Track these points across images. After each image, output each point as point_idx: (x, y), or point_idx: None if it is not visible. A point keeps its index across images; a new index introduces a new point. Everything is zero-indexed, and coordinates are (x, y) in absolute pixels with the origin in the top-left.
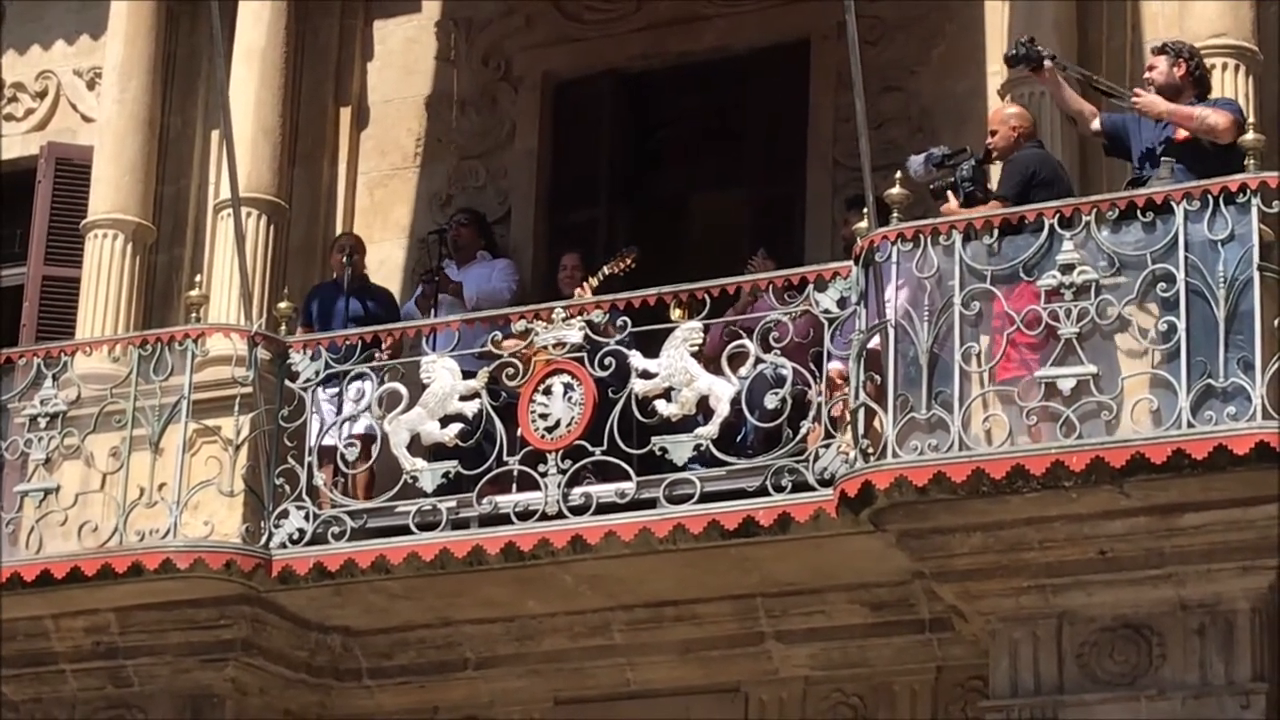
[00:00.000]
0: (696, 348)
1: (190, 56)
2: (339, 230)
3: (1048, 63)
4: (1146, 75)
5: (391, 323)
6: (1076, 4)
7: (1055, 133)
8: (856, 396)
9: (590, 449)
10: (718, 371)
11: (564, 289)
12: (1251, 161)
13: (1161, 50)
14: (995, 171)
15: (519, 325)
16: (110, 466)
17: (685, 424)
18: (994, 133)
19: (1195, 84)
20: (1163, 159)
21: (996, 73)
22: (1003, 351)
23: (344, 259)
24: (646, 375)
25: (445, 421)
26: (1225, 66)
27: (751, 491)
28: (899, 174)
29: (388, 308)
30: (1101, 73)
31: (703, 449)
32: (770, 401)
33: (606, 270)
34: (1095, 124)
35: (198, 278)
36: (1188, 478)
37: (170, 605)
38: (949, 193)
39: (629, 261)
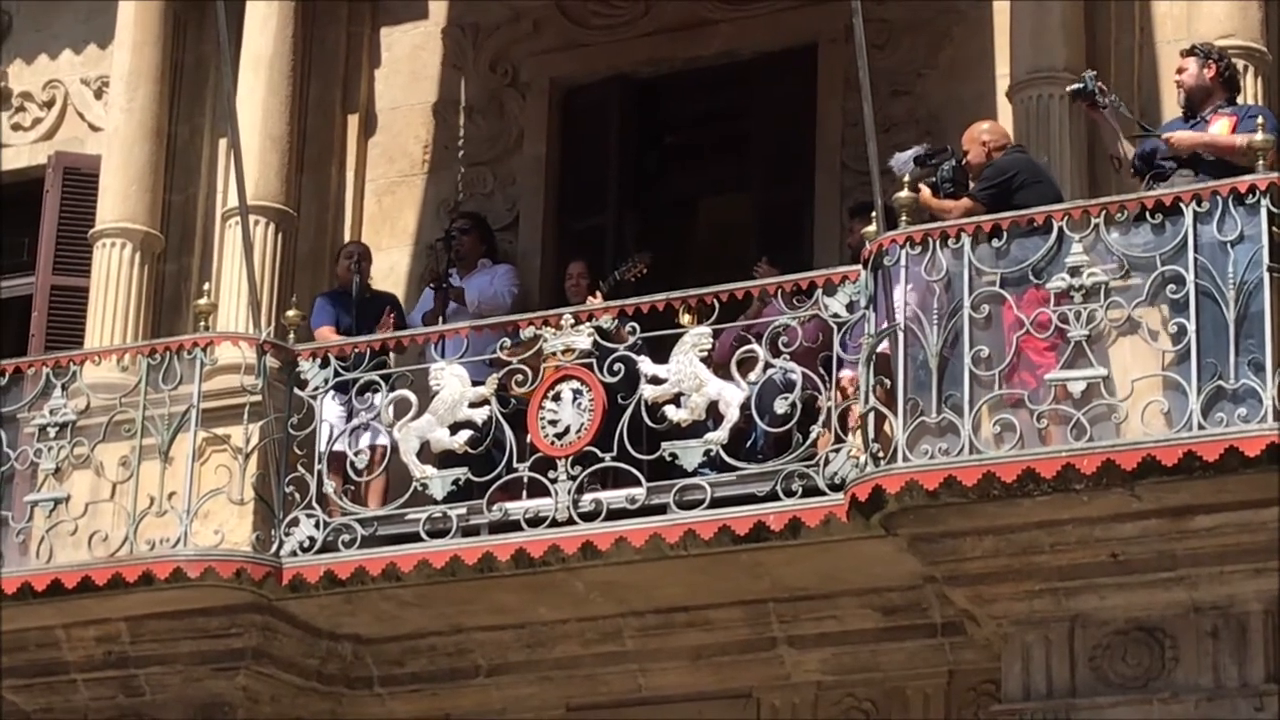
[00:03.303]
0: (706, 353)
1: (197, 65)
2: (347, 238)
3: (1106, 100)
4: (1176, 77)
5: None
6: (1084, 5)
7: (1062, 136)
8: (866, 401)
9: (600, 455)
10: (727, 376)
11: (571, 297)
12: (1260, 162)
13: (1190, 52)
14: None
15: (528, 332)
16: (120, 476)
17: (695, 429)
18: (967, 151)
19: (1225, 85)
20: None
21: (1004, 75)
22: (1013, 354)
23: (353, 265)
24: (656, 381)
25: (455, 428)
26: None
27: (762, 496)
28: (906, 177)
29: (395, 312)
30: (1110, 74)
31: (713, 454)
32: (780, 406)
33: (619, 275)
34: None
35: (206, 286)
36: (1199, 480)
37: (181, 614)
38: (921, 185)
39: (642, 267)
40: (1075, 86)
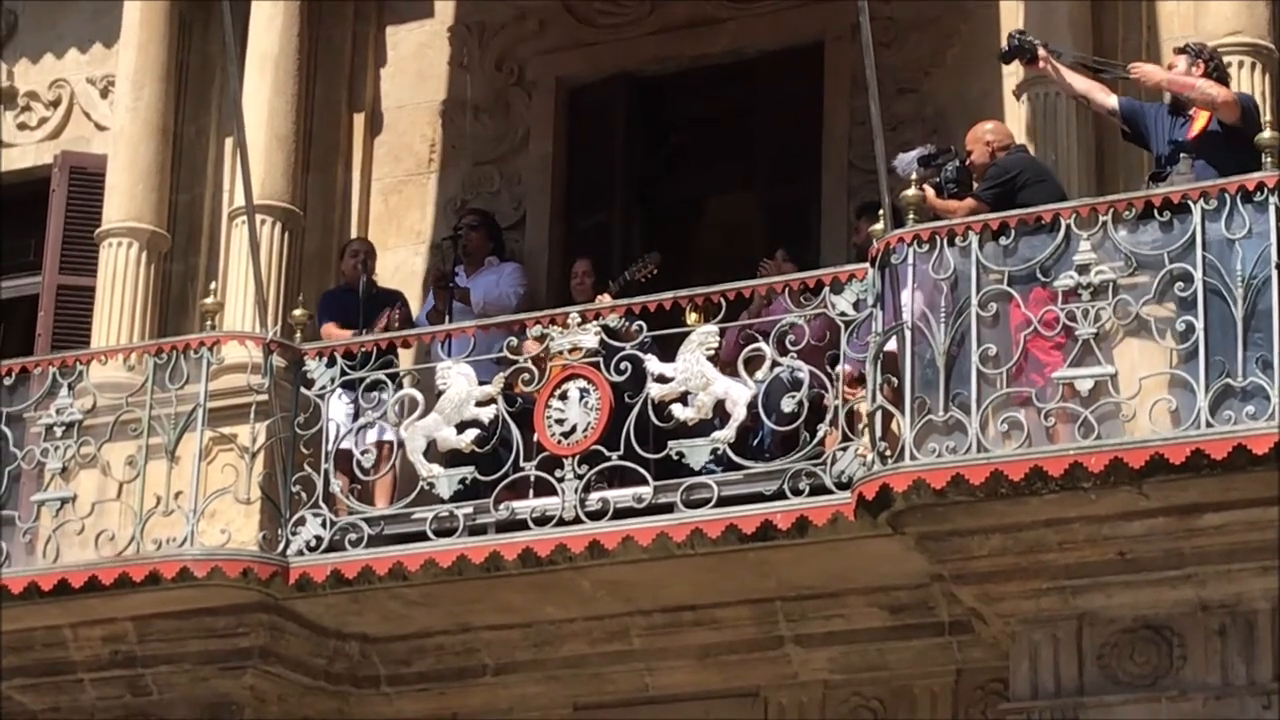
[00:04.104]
0: (713, 351)
1: (203, 64)
2: (354, 236)
3: (1041, 51)
4: (1165, 74)
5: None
6: (1092, 4)
7: (1070, 133)
8: (873, 399)
9: (607, 454)
10: (734, 375)
11: (576, 296)
12: (1269, 159)
13: (1183, 50)
14: None
15: (534, 330)
16: (127, 475)
17: (702, 428)
18: (970, 151)
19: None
20: (1182, 155)
21: (1011, 73)
22: (1020, 353)
23: (360, 263)
24: (663, 379)
25: (461, 427)
26: (1241, 64)
27: (769, 495)
28: (911, 177)
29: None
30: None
31: (720, 453)
32: (787, 405)
33: (629, 276)
34: (1112, 101)
35: (213, 285)
36: (1207, 478)
37: (188, 613)
38: (925, 186)
39: (652, 268)
40: (1002, 51)
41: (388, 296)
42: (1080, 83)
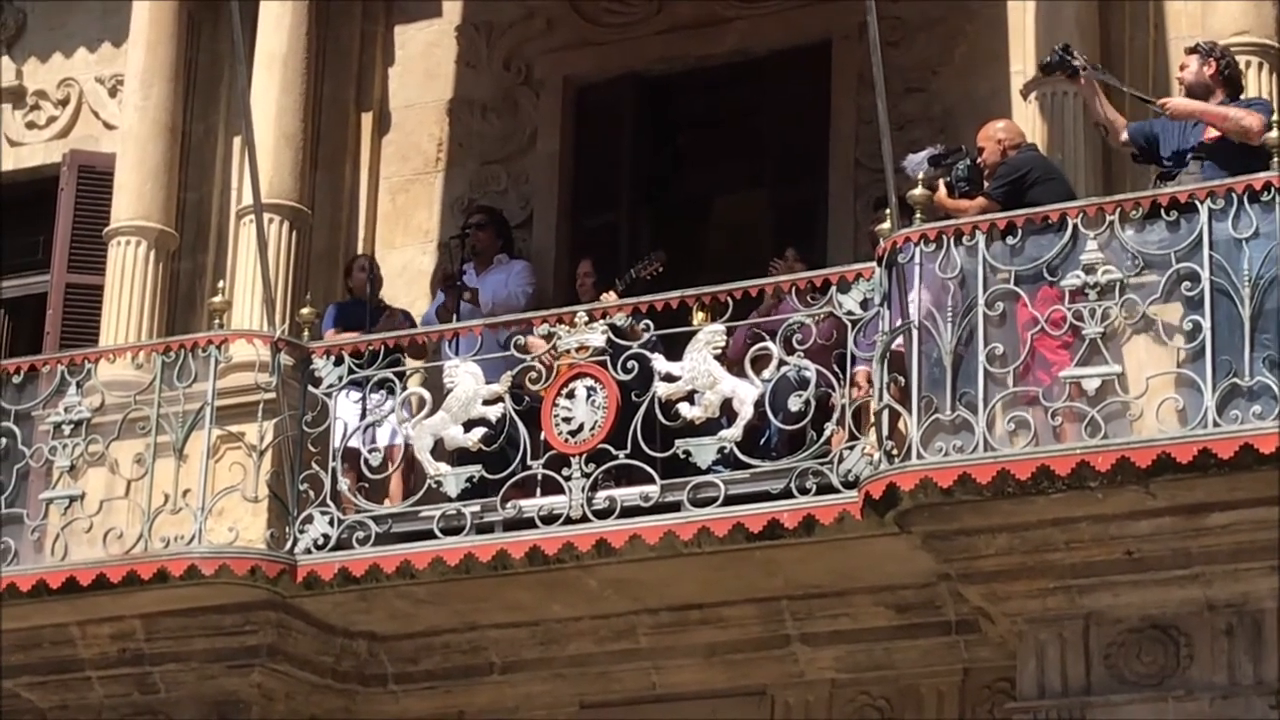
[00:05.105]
0: (719, 350)
1: (212, 63)
2: (361, 235)
3: (1084, 72)
4: (1178, 75)
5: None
6: (1099, 3)
7: (1077, 133)
8: (880, 398)
9: (614, 452)
10: (741, 374)
11: (581, 296)
12: (1276, 159)
13: (1193, 50)
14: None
15: (541, 329)
16: (135, 473)
17: (709, 427)
18: (982, 149)
19: (1225, 83)
20: (1191, 159)
21: (1019, 72)
22: (1027, 352)
23: (367, 276)
24: (670, 378)
25: (469, 426)
26: (1248, 64)
27: (776, 494)
28: (920, 176)
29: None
30: (1124, 72)
31: (726, 452)
32: (794, 404)
33: (634, 274)
34: (1124, 135)
35: (220, 284)
36: (1214, 477)
37: (196, 611)
38: (939, 182)
39: (657, 266)
40: (1045, 61)
41: (393, 314)
42: (1108, 112)
